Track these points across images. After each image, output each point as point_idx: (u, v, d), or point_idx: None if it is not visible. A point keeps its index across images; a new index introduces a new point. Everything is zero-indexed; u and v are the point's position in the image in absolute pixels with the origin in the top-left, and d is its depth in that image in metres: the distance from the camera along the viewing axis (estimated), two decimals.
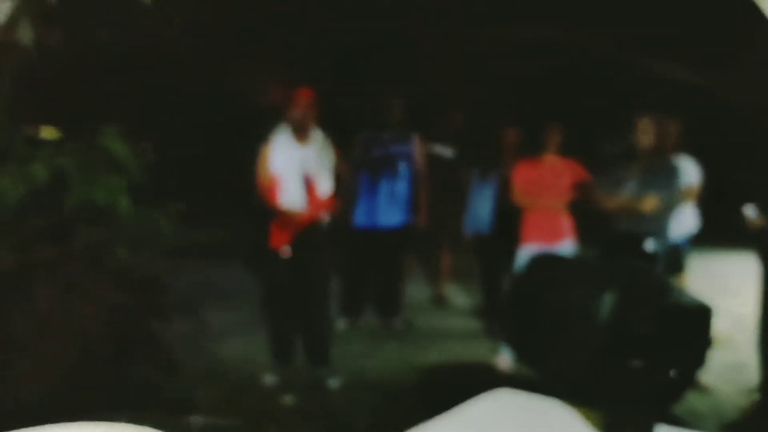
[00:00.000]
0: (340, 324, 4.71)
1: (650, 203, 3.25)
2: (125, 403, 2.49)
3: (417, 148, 4.76)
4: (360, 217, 4.71)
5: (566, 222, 4.08)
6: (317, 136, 3.72)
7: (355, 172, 4.66)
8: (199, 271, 6.12)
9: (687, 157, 3.98)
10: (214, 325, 4.65)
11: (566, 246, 4.01)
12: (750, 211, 3.26)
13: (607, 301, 1.34)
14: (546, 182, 4.03)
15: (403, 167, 4.72)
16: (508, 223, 4.20)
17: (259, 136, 3.78)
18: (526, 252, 3.95)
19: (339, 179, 3.87)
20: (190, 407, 3.07)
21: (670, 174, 3.36)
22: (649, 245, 3.21)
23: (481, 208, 4.73)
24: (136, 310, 3.14)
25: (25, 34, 1.64)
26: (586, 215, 3.95)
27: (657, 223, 3.28)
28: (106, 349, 2.67)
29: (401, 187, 4.73)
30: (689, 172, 3.83)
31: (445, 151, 5.26)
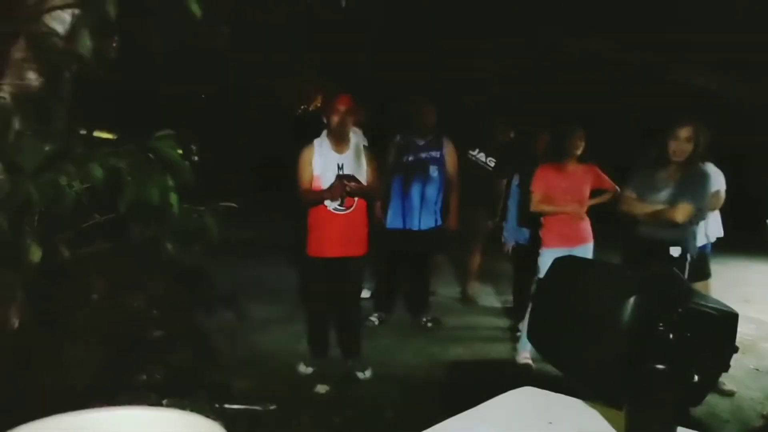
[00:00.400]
0: (373, 319, 4.72)
1: (684, 212, 3.10)
2: (168, 389, 2.54)
3: (448, 152, 4.72)
4: (393, 219, 4.71)
5: (586, 226, 3.99)
6: (354, 142, 3.72)
7: (389, 175, 4.66)
8: (241, 267, 6.20)
9: (713, 164, 3.86)
10: (253, 318, 4.71)
11: (586, 250, 3.93)
12: None
13: (632, 304, 1.30)
14: (567, 187, 3.94)
15: (434, 172, 4.69)
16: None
17: (301, 141, 3.80)
18: (546, 256, 3.87)
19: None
20: (229, 394, 3.11)
21: (703, 182, 3.21)
22: (675, 251, 3.10)
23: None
24: (182, 301, 3.19)
25: (84, 45, 1.69)
26: (606, 220, 3.84)
27: (685, 230, 3.16)
28: (152, 337, 2.72)
29: (433, 191, 4.70)
30: (715, 179, 3.71)
31: (489, 161, 5.24)
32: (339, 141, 3.65)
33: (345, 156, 3.66)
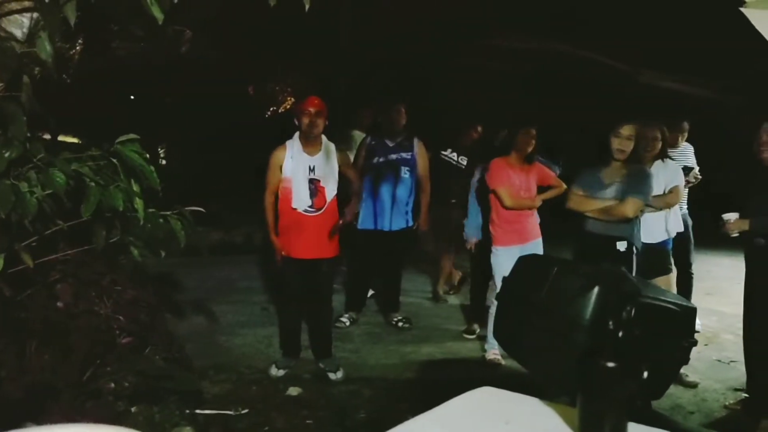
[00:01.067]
0: (344, 320, 4.72)
1: (633, 206, 3.20)
2: (138, 395, 2.51)
3: (420, 154, 4.74)
4: (364, 220, 4.71)
5: (536, 222, 4.03)
6: (326, 144, 3.71)
7: (360, 177, 4.66)
8: (211, 270, 6.15)
9: (672, 160, 3.95)
10: (224, 321, 4.67)
11: (537, 246, 3.94)
12: (729, 216, 3.23)
13: (593, 299, 1.34)
14: (521, 184, 3.96)
15: (406, 173, 4.71)
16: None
17: (272, 143, 3.78)
18: (500, 254, 3.87)
19: (348, 184, 3.88)
20: (200, 399, 3.08)
21: (646, 179, 3.34)
22: (621, 245, 3.21)
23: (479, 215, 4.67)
24: (151, 305, 3.16)
25: (43, 49, 1.66)
26: (557, 216, 3.85)
27: (630, 224, 3.27)
28: (121, 342, 2.69)
29: (404, 191, 4.71)
30: (675, 175, 3.80)
31: (461, 160, 5.28)
32: (310, 143, 3.65)
33: (316, 158, 3.66)
